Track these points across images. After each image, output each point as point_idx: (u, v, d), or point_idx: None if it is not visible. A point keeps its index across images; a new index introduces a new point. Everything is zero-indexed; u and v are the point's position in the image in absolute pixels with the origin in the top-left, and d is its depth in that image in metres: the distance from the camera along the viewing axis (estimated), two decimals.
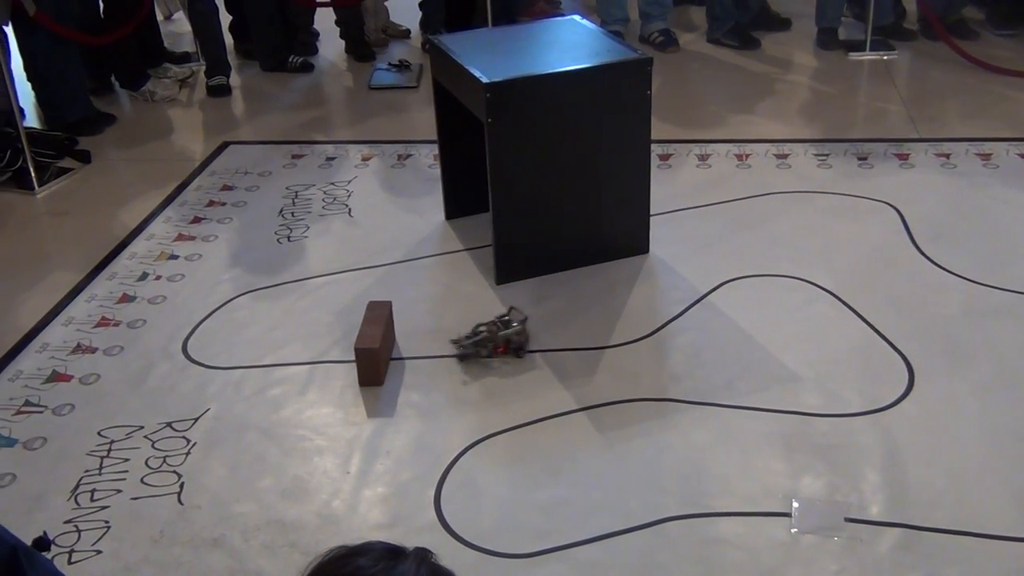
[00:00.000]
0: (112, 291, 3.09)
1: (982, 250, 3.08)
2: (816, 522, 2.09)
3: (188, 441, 2.42)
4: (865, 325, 2.74)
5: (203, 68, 4.88)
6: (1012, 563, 1.98)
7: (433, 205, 3.48)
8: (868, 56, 4.76)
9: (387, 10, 5.47)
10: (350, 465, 2.33)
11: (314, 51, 5.22)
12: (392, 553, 0.99)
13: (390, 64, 4.92)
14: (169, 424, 2.49)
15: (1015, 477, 2.19)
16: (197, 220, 3.52)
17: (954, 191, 3.46)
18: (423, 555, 1.00)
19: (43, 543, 1.59)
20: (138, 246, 3.36)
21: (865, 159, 3.73)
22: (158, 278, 3.15)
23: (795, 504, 2.14)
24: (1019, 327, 2.70)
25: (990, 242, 3.13)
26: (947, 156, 3.72)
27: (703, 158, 3.80)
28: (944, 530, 2.06)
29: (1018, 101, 4.19)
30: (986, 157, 3.69)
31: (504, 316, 2.73)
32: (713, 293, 2.93)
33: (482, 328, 2.69)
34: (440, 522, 2.14)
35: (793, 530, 2.08)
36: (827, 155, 3.77)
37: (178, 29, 5.63)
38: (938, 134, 3.91)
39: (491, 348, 2.66)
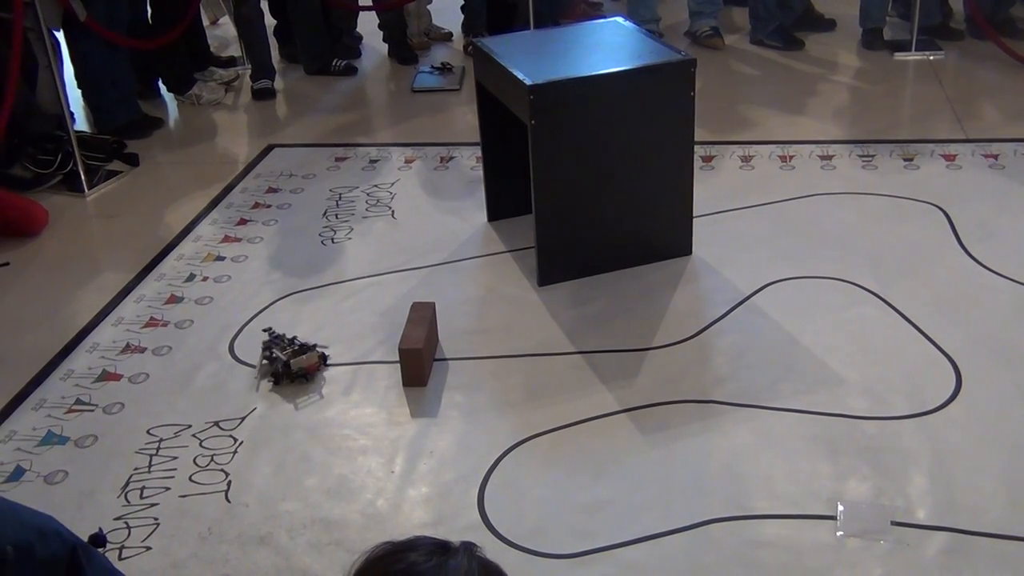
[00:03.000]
0: (160, 292, 3.14)
1: None
2: (862, 525, 2.07)
3: (235, 440, 2.46)
4: (911, 327, 2.72)
5: (248, 72, 4.94)
6: None
7: (475, 207, 3.49)
8: (914, 56, 4.71)
9: (429, 13, 5.50)
10: (394, 465, 2.34)
11: (357, 54, 5.26)
12: (441, 547, 1.01)
13: (432, 67, 4.95)
14: (216, 423, 2.52)
15: None
16: (243, 222, 3.56)
17: (1002, 192, 3.42)
18: (471, 548, 1.01)
19: (99, 539, 1.62)
20: (185, 248, 3.41)
21: (911, 160, 3.69)
22: (205, 279, 3.20)
23: (840, 507, 2.12)
24: None
25: None
26: (995, 157, 3.67)
27: (746, 159, 3.78)
28: (993, 534, 2.03)
29: None
30: None
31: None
32: (757, 295, 2.91)
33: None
34: (484, 522, 2.16)
35: (839, 533, 2.06)
36: (872, 156, 3.74)
37: (224, 34, 5.71)
38: (985, 134, 3.86)
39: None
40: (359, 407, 2.56)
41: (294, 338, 2.75)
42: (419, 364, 2.60)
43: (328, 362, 2.71)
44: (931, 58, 4.69)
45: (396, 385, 2.62)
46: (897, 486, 2.17)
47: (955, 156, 3.69)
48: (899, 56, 4.74)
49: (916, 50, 4.72)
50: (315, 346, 2.72)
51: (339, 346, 2.80)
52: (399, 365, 2.62)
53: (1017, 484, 2.16)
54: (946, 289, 2.88)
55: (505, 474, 2.29)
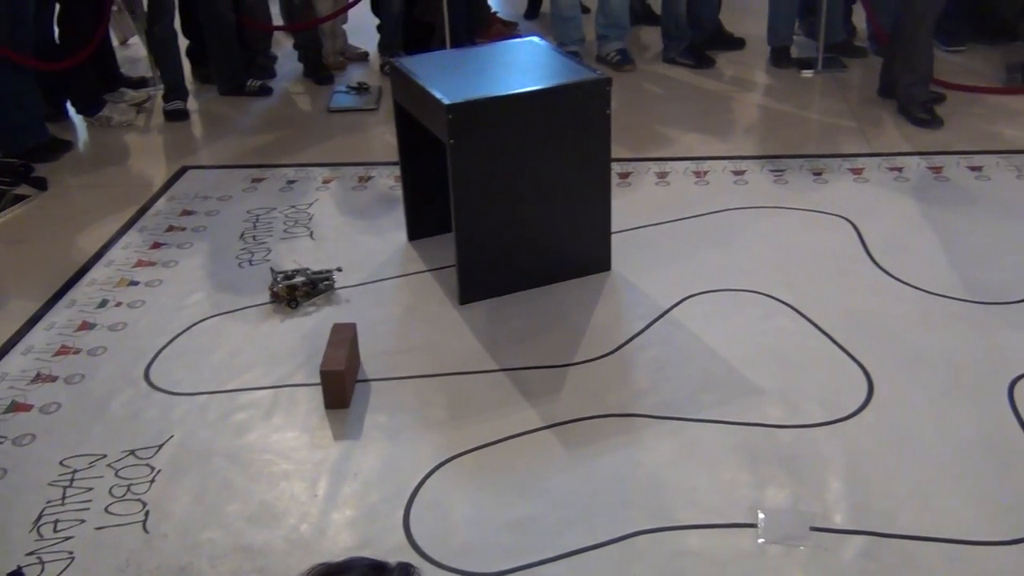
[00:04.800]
0: (71, 319, 3.06)
1: (935, 261, 3.15)
2: (782, 532, 2.11)
3: (152, 469, 2.40)
4: (824, 337, 2.79)
5: (160, 92, 4.85)
6: (972, 567, 2.02)
7: (395, 226, 3.49)
8: (820, 73, 4.86)
9: (345, 33, 5.48)
10: (317, 488, 2.32)
11: (272, 74, 5.21)
12: (376, 568, 1.00)
13: (349, 87, 4.93)
14: (132, 452, 2.46)
15: (973, 482, 2.24)
16: (157, 246, 3.49)
17: (907, 204, 3.54)
18: (407, 569, 1.01)
19: None
20: (97, 273, 3.33)
21: (820, 174, 3.80)
22: (118, 305, 3.12)
23: (761, 515, 2.16)
24: (972, 335, 2.77)
25: (942, 253, 3.20)
26: (899, 170, 3.80)
27: (662, 176, 3.85)
28: (906, 536, 2.09)
29: (967, 115, 4.29)
30: (937, 170, 3.77)
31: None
32: (675, 308, 2.96)
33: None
34: (410, 543, 2.14)
35: (760, 540, 2.10)
36: (783, 171, 3.84)
37: (134, 54, 5.60)
38: (890, 148, 4.00)
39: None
40: (280, 431, 2.52)
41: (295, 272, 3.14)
42: (341, 386, 2.57)
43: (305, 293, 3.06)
44: (837, 75, 4.84)
45: (318, 408, 2.59)
46: (814, 492, 2.22)
47: (862, 170, 3.81)
48: (806, 73, 4.88)
49: (822, 67, 4.87)
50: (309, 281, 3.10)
51: (259, 369, 2.76)
52: (320, 388, 2.59)
53: (927, 486, 2.23)
54: (856, 299, 2.97)
55: (430, 494, 2.28)
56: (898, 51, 4.30)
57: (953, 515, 2.15)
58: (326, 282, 3.12)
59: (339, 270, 3.18)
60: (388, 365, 2.76)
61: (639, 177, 3.84)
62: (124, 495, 2.32)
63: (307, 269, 3.17)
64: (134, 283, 3.25)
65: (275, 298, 3.06)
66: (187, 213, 3.73)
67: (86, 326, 3.02)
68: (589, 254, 3.15)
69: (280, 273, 3.14)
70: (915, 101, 4.21)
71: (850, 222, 3.41)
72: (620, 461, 2.36)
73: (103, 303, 3.14)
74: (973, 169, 3.77)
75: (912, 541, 2.08)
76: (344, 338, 2.68)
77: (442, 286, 3.14)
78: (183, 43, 5.09)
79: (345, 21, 5.45)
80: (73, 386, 2.74)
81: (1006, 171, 3.75)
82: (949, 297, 2.95)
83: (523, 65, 3.15)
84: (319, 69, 5.14)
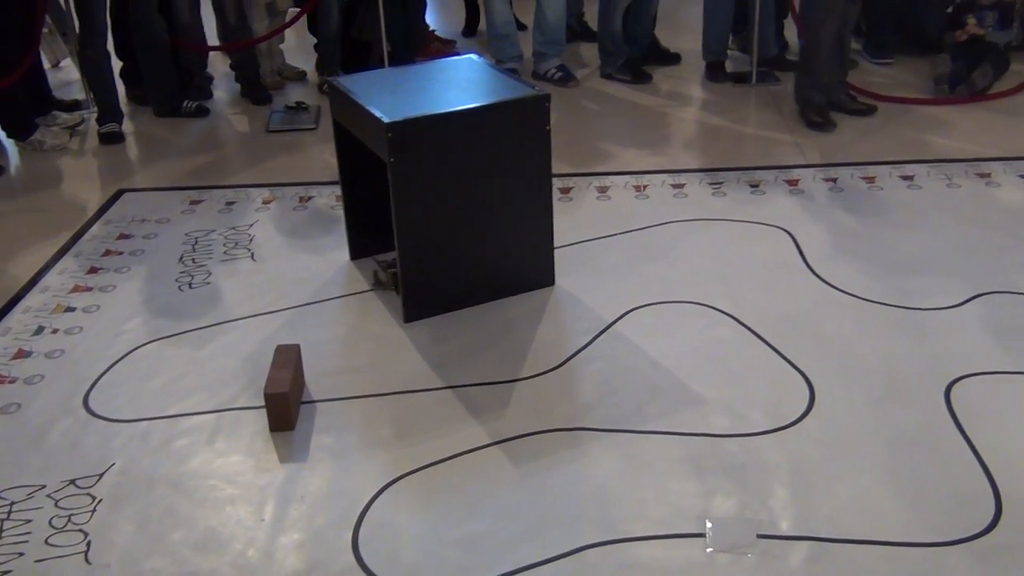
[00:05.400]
0: (6, 347, 2.99)
1: (871, 268, 3.22)
2: (730, 540, 2.14)
3: (93, 498, 2.35)
4: (765, 346, 2.83)
5: (94, 115, 4.78)
6: (914, 568, 2.06)
7: (337, 246, 3.47)
8: (755, 87, 4.95)
9: (282, 52, 5.45)
10: (264, 512, 2.29)
11: (209, 95, 5.16)
12: None
13: (287, 106, 4.90)
14: (72, 482, 2.41)
15: (913, 485, 2.28)
16: (94, 270, 3.43)
17: (842, 213, 3.61)
18: None
19: None
20: (32, 299, 3.26)
21: (757, 186, 3.86)
22: (55, 331, 3.06)
23: (708, 524, 2.18)
24: (909, 341, 2.83)
25: (878, 260, 3.27)
26: (834, 180, 3.87)
27: (602, 190, 3.88)
28: (850, 540, 2.13)
29: (898, 124, 4.40)
30: (871, 180, 3.86)
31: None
32: (619, 322, 2.98)
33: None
34: (359, 564, 2.13)
35: (708, 550, 2.12)
36: (721, 183, 3.89)
37: (67, 76, 5.51)
38: (824, 160, 4.08)
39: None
40: (224, 456, 2.49)
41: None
42: (286, 408, 2.55)
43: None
44: (771, 88, 4.93)
45: (263, 431, 2.56)
46: (760, 500, 2.25)
47: (797, 181, 3.88)
48: (741, 87, 4.96)
49: (757, 81, 4.96)
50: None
51: (201, 394, 2.73)
52: (265, 410, 2.56)
53: (869, 491, 2.27)
54: (796, 308, 3.02)
55: (379, 515, 2.27)
56: (801, 56, 4.42)
57: (895, 518, 2.19)
58: None
59: None
60: (333, 386, 2.74)
61: (580, 192, 3.87)
62: (65, 526, 2.27)
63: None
64: (71, 309, 3.19)
65: (379, 286, 3.19)
66: (124, 237, 3.68)
67: (22, 354, 2.95)
68: (532, 269, 3.16)
69: (383, 261, 3.22)
70: (810, 104, 4.35)
71: (788, 232, 3.47)
72: (568, 475, 2.36)
73: (39, 330, 3.07)
74: (905, 178, 3.87)
75: (856, 545, 2.12)
76: (288, 359, 2.66)
77: (386, 305, 3.13)
78: (116, 64, 5.02)
79: (282, 40, 5.43)
80: (9, 416, 2.67)
81: (936, 179, 3.85)
82: (885, 304, 3.01)
83: (462, 83, 3.16)
84: (256, 89, 5.11)
